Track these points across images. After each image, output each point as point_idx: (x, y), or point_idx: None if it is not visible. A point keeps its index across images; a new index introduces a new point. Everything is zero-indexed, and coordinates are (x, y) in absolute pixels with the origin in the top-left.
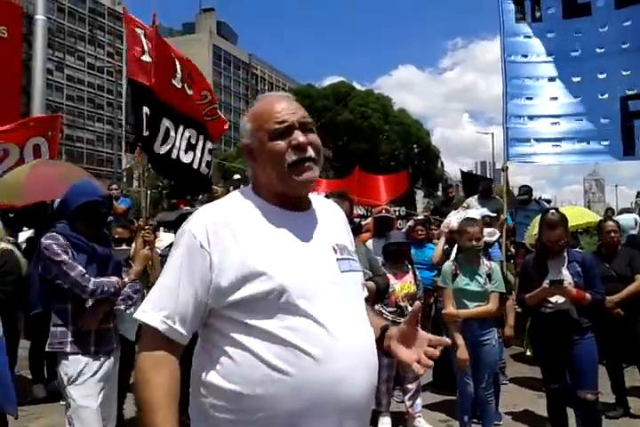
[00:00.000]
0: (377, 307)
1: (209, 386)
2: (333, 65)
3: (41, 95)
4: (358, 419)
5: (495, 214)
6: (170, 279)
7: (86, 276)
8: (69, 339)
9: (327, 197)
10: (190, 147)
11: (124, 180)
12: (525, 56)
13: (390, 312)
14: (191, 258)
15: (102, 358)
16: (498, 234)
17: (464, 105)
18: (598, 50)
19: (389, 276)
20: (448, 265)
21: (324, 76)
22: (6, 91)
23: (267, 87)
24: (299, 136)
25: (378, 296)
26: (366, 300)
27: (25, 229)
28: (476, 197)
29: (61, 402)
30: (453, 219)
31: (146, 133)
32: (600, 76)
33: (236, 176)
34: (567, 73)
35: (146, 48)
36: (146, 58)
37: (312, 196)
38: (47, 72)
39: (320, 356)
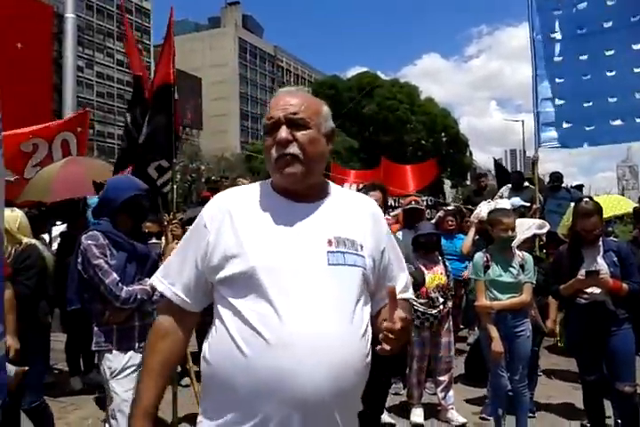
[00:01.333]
0: None
1: (203, 353)
2: (357, 55)
3: (72, 92)
4: (320, 416)
5: (529, 204)
6: (179, 252)
7: (119, 285)
8: (115, 337)
9: (361, 189)
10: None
11: None
12: (554, 32)
13: (421, 304)
14: (196, 235)
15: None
16: (547, 226)
17: (491, 93)
18: (632, 19)
19: (421, 267)
20: (479, 256)
21: (348, 66)
22: (38, 89)
23: (292, 79)
24: (282, 132)
25: (414, 288)
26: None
27: (58, 223)
28: (509, 186)
29: (97, 394)
30: (484, 209)
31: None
32: (635, 47)
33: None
34: (598, 46)
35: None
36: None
37: (341, 190)
38: (77, 69)
39: (272, 341)
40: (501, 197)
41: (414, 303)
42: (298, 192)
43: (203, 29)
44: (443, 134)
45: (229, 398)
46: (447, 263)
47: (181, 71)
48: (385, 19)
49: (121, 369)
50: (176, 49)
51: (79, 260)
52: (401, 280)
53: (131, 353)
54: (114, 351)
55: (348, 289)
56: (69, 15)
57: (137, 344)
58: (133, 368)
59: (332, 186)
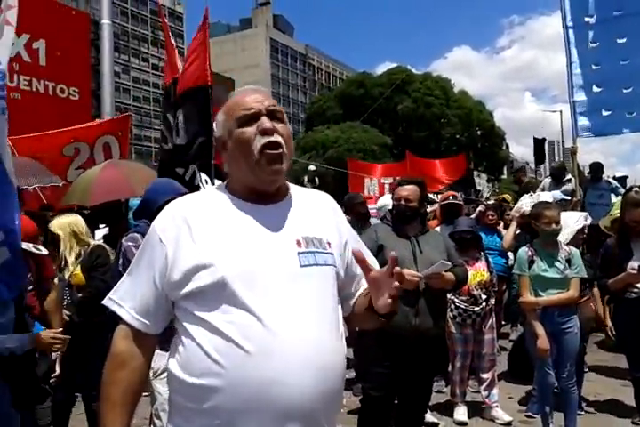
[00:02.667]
0: (449, 296)
1: (169, 373)
2: (386, 51)
3: (110, 97)
4: (308, 424)
5: (569, 198)
6: (132, 271)
7: None
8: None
9: (400, 183)
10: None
11: None
12: (588, 17)
13: (463, 301)
14: (151, 251)
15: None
16: (590, 218)
17: (525, 83)
18: None
19: None
20: (524, 251)
21: (378, 62)
22: (78, 95)
23: (324, 77)
24: (265, 122)
25: (456, 286)
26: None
27: (101, 226)
28: (549, 179)
29: (144, 394)
30: (525, 203)
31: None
32: None
33: (312, 167)
34: (638, 28)
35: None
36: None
37: (297, 188)
38: (114, 75)
39: (253, 351)
40: (543, 190)
41: (455, 300)
42: (268, 193)
43: (234, 31)
44: (477, 128)
45: (206, 415)
46: (489, 259)
47: (215, 73)
48: (412, 13)
49: (163, 369)
50: (210, 51)
51: (120, 261)
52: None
53: None
54: (156, 351)
55: (324, 290)
56: (105, 22)
57: None
58: (158, 373)
59: (290, 185)
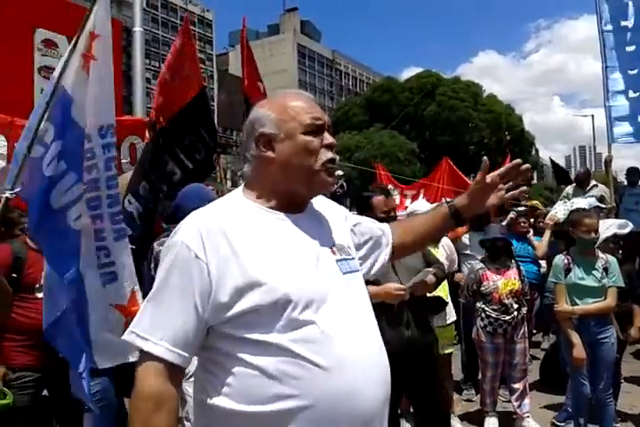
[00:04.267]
0: (479, 304)
1: (215, 409)
2: (411, 56)
3: (142, 104)
4: None
5: (605, 206)
6: (165, 298)
7: None
8: None
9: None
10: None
11: (219, 180)
12: (626, 20)
13: (494, 310)
14: (186, 271)
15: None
16: (631, 226)
17: (553, 88)
18: None
19: (492, 272)
20: (559, 259)
21: (403, 67)
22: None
23: (350, 82)
24: (330, 138)
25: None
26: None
27: None
28: (574, 185)
29: None
30: (559, 210)
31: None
32: None
33: (339, 172)
34: None
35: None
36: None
37: None
38: (145, 81)
39: (327, 366)
40: (568, 198)
41: (486, 309)
42: (301, 202)
43: (263, 37)
44: (507, 133)
45: None
46: (521, 267)
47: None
48: (437, 18)
49: (194, 372)
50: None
51: (152, 265)
52: (384, 228)
53: None
54: None
55: (363, 295)
56: (137, 29)
57: None
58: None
59: None
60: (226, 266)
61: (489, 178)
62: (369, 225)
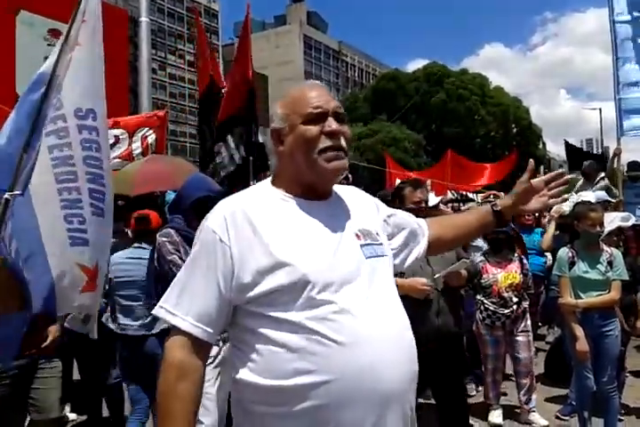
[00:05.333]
0: (478, 297)
1: (243, 383)
2: (416, 48)
3: (147, 94)
4: (400, 407)
5: (614, 200)
6: (192, 277)
7: None
8: None
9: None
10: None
11: None
12: (638, 11)
13: (492, 303)
14: (211, 254)
15: (220, 344)
16: (633, 218)
17: (559, 81)
18: None
19: (492, 265)
20: (564, 252)
21: (408, 59)
22: (116, 92)
23: (357, 74)
24: (332, 123)
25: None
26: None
27: None
28: (581, 180)
29: None
30: (565, 203)
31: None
32: None
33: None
34: None
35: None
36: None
37: (335, 185)
38: (151, 71)
39: (345, 341)
40: (576, 191)
41: (485, 302)
42: (321, 189)
43: (269, 28)
44: (514, 126)
45: (302, 416)
46: (524, 261)
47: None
48: (442, 10)
49: None
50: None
51: (155, 256)
52: (420, 222)
53: (214, 348)
54: None
55: (388, 278)
56: (143, 19)
57: (222, 335)
58: (209, 361)
59: None
60: (248, 249)
61: (534, 183)
62: (404, 217)
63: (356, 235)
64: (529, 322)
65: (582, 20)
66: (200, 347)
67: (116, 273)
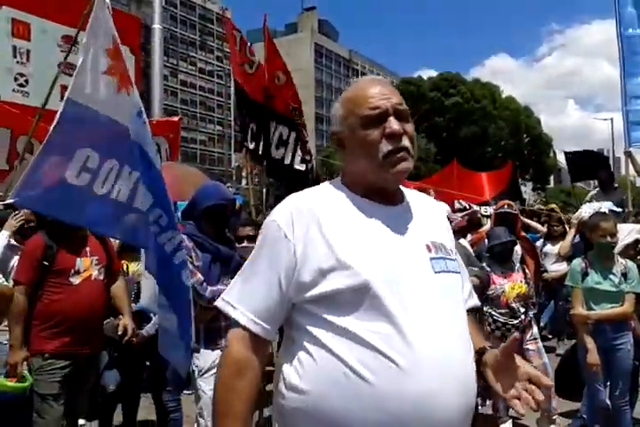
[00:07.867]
0: (486, 309)
1: (287, 384)
2: (423, 58)
3: (159, 100)
4: None
5: (620, 209)
6: (254, 272)
7: (204, 284)
8: (202, 336)
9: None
10: (282, 143)
11: (234, 178)
12: None
13: (501, 314)
14: (275, 250)
15: None
16: None
17: (567, 91)
18: None
19: (498, 276)
20: (577, 263)
21: (414, 70)
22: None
23: None
24: (393, 124)
25: (482, 289)
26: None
27: None
28: (596, 190)
29: (185, 392)
30: (586, 210)
31: (251, 146)
32: None
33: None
34: None
35: (247, 54)
36: (247, 68)
37: (407, 190)
38: (163, 78)
39: (405, 366)
40: (590, 201)
41: (493, 314)
42: (390, 193)
43: (280, 36)
44: (525, 135)
45: None
46: (527, 270)
47: None
48: (448, 21)
49: (208, 368)
50: (255, 57)
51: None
52: (467, 285)
53: (217, 352)
54: (202, 350)
55: (456, 298)
56: (156, 26)
57: (224, 343)
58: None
59: (401, 187)
60: (312, 247)
61: (520, 371)
62: (465, 271)
63: (427, 247)
64: (535, 330)
65: (589, 32)
66: (257, 343)
67: None
